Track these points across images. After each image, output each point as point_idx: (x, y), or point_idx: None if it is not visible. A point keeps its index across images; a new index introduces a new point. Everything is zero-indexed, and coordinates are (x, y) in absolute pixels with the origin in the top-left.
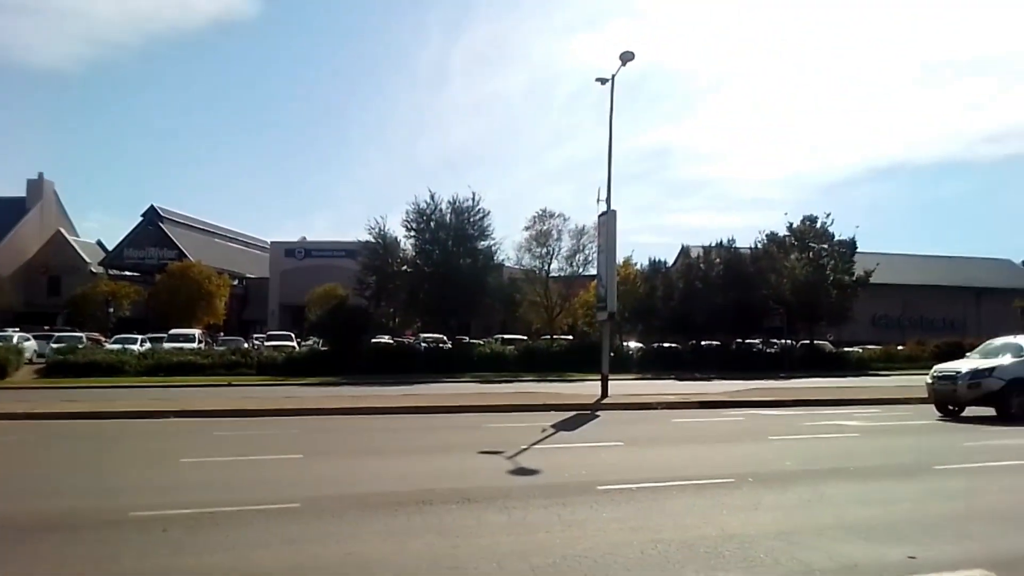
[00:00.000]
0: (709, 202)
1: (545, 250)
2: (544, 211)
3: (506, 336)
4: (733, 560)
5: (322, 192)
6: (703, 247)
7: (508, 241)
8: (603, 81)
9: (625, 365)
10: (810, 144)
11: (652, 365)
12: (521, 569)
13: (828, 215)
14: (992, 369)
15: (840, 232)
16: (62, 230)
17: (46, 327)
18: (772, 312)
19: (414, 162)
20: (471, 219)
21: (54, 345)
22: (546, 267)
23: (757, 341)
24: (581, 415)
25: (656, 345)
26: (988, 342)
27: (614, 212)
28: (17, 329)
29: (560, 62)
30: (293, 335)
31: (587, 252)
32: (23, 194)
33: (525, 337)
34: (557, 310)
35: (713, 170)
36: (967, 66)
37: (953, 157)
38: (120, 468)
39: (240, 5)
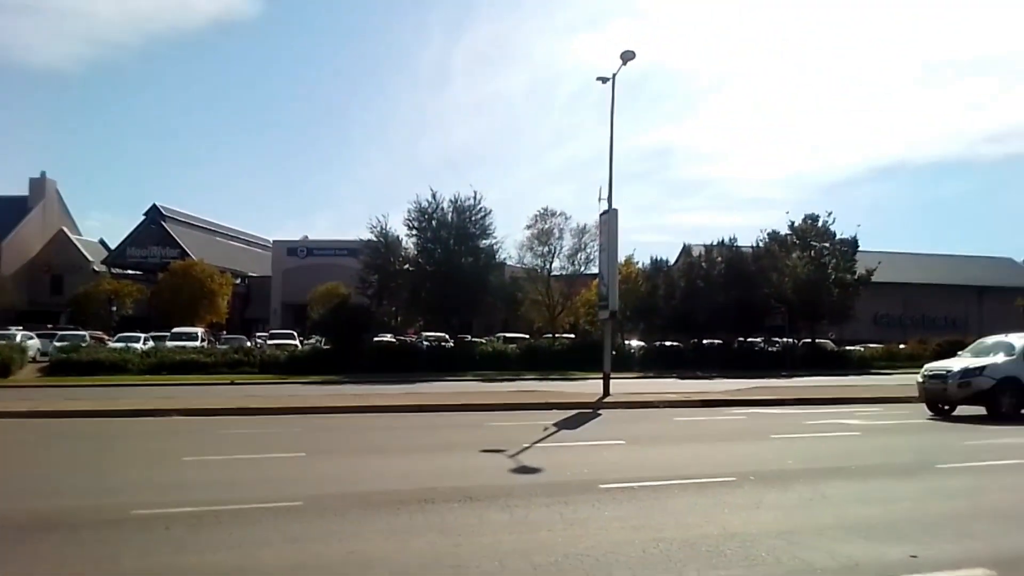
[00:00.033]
0: (710, 201)
1: (547, 249)
2: (546, 210)
3: (508, 335)
4: (735, 559)
5: (324, 191)
6: (705, 246)
7: (510, 240)
8: (604, 80)
9: (627, 364)
10: (811, 144)
11: (654, 364)
12: (523, 568)
13: (830, 214)
14: (983, 368)
15: (842, 231)
16: (65, 229)
17: (49, 326)
18: (774, 311)
19: (416, 161)
20: (473, 218)
21: (57, 344)
22: (548, 266)
23: (759, 340)
24: (583, 414)
25: (658, 344)
26: (980, 341)
27: (615, 211)
28: (20, 328)
29: (561, 62)
30: (295, 334)
31: (589, 251)
32: (26, 193)
33: (527, 336)
34: (559, 309)
35: (714, 169)
36: (968, 66)
37: (954, 157)
38: (122, 467)
39: (240, 5)
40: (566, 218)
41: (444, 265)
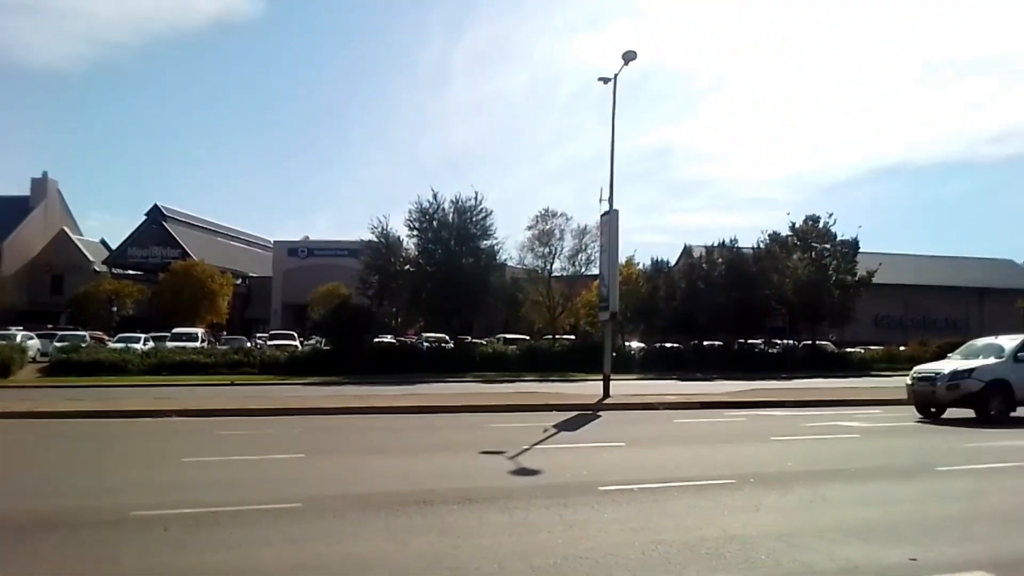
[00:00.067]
0: (711, 202)
1: (547, 250)
2: (546, 211)
3: (508, 336)
4: (734, 561)
5: (324, 191)
6: (705, 247)
7: (510, 241)
8: (605, 81)
9: (627, 365)
10: (812, 144)
11: (654, 365)
12: (522, 569)
13: (831, 215)
14: (972, 370)
15: (842, 232)
16: (66, 229)
17: (49, 326)
18: (774, 312)
19: (416, 162)
20: (473, 218)
21: (57, 344)
22: (548, 267)
23: (759, 341)
24: (583, 415)
25: (658, 345)
26: (970, 343)
27: (616, 212)
28: (21, 328)
29: (562, 62)
30: (296, 334)
31: (589, 252)
32: (27, 193)
33: (527, 337)
34: (559, 310)
35: (715, 170)
36: (968, 66)
37: (955, 157)
38: (122, 467)
39: (241, 5)
40: (567, 219)
41: (445, 266)
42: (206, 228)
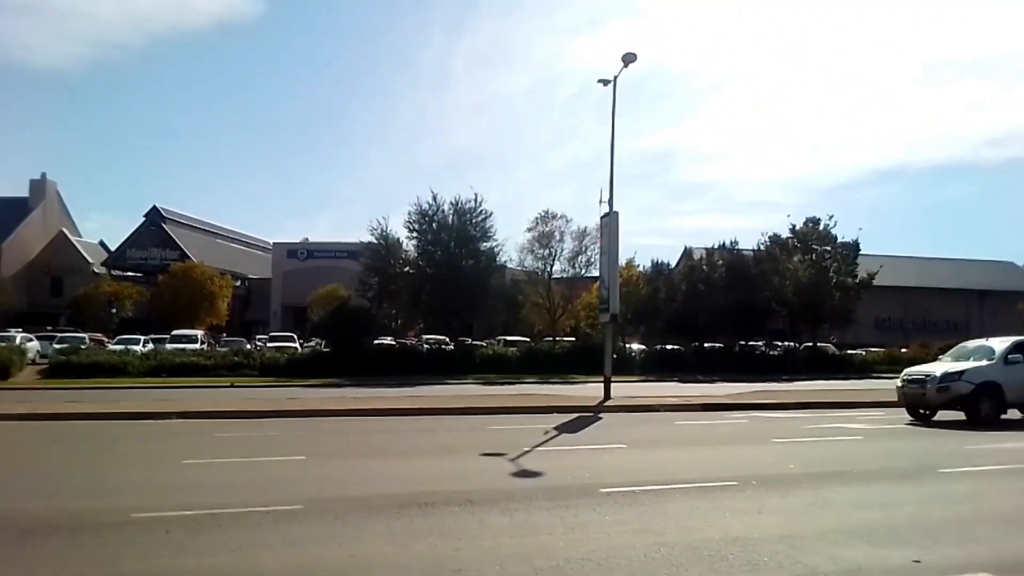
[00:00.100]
0: (711, 204)
1: (547, 251)
2: (546, 212)
3: (508, 338)
4: (737, 563)
5: (324, 193)
6: (706, 249)
7: (510, 242)
8: (605, 83)
9: (628, 367)
10: (812, 146)
11: (655, 367)
12: (524, 571)
13: (831, 217)
14: (962, 372)
15: (843, 234)
16: (65, 230)
17: (49, 328)
18: (775, 314)
19: (416, 162)
20: (473, 220)
21: (57, 346)
22: (548, 268)
23: (760, 343)
24: (584, 417)
25: (659, 347)
26: (961, 345)
27: (616, 214)
28: (20, 330)
29: (562, 62)
30: (295, 336)
31: (589, 254)
32: (26, 194)
33: (527, 339)
34: (559, 312)
35: (715, 172)
36: (968, 66)
37: (956, 160)
38: (122, 469)
39: (241, 5)
40: (567, 221)
41: (444, 268)
42: (205, 230)
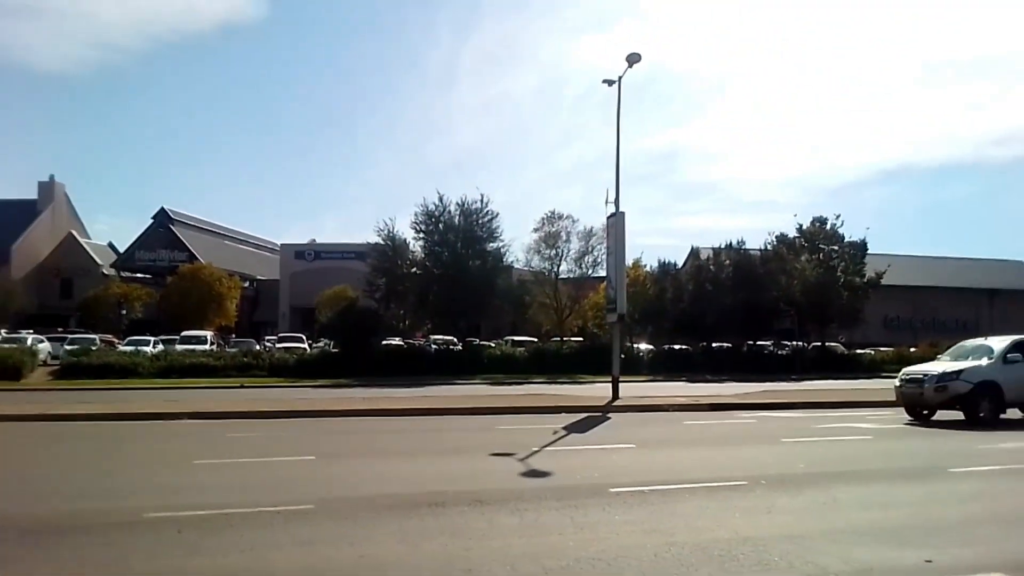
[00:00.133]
0: (717, 204)
1: (554, 252)
2: (553, 213)
3: (516, 338)
4: (747, 563)
5: (331, 193)
6: (713, 249)
7: (517, 243)
8: (610, 83)
9: (635, 367)
10: (817, 146)
11: (663, 367)
12: (534, 571)
13: (838, 216)
14: (960, 372)
15: (850, 234)
16: (74, 232)
17: (60, 329)
18: (783, 314)
19: (423, 163)
20: (480, 221)
21: (68, 347)
22: (555, 269)
23: (768, 343)
24: (592, 417)
25: (667, 347)
26: (960, 344)
27: (623, 214)
28: (31, 331)
29: (568, 63)
30: (304, 337)
31: (596, 254)
32: (34, 196)
33: (535, 339)
34: (567, 312)
35: (721, 172)
36: (970, 66)
37: (961, 159)
38: (134, 469)
39: (245, 8)
40: (573, 221)
41: (451, 268)
42: (213, 231)
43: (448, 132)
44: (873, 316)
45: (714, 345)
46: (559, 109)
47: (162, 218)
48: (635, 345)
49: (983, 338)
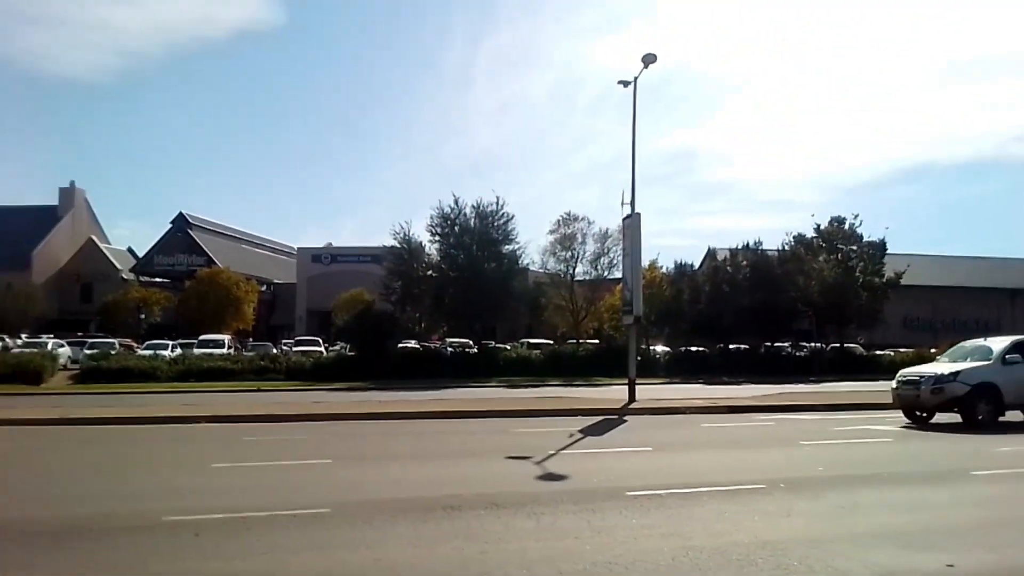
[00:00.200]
0: (734, 204)
1: (570, 254)
2: (568, 214)
3: (532, 340)
4: (766, 568)
5: (347, 197)
6: (729, 249)
7: (533, 245)
8: (625, 84)
9: (652, 369)
10: (835, 145)
11: (679, 369)
12: (550, 575)
13: (856, 216)
14: (956, 373)
15: (869, 234)
16: (94, 237)
17: (79, 333)
18: (800, 315)
19: (438, 165)
20: (495, 223)
21: (87, 351)
22: (571, 271)
23: (786, 344)
24: (608, 420)
25: (683, 349)
26: (959, 345)
27: (638, 215)
28: (51, 336)
29: (583, 64)
30: (320, 340)
31: (612, 255)
32: (55, 202)
33: (551, 341)
34: (583, 314)
35: (737, 172)
36: (992, 63)
37: (981, 157)
38: (153, 473)
39: (263, 14)
40: (589, 223)
41: (467, 271)
42: (231, 235)
43: (463, 134)
44: (893, 317)
45: (731, 347)
46: (574, 110)
47: (180, 223)
48: (651, 347)
49: (983, 339)
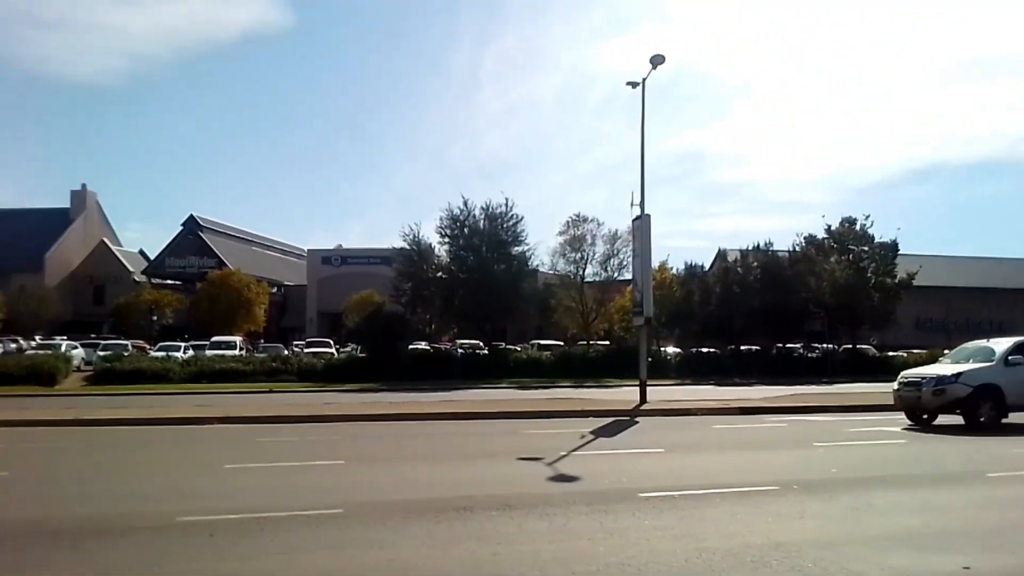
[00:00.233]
0: (743, 205)
1: (579, 255)
2: (577, 216)
3: (542, 342)
4: (780, 569)
5: (356, 199)
6: (740, 250)
7: (542, 246)
8: (634, 85)
9: (663, 370)
10: (844, 145)
11: (690, 370)
12: None
13: (867, 217)
14: (958, 375)
15: (880, 235)
16: (105, 240)
17: (92, 335)
18: (812, 316)
19: (447, 167)
20: (504, 225)
21: (101, 353)
22: (581, 272)
23: (798, 345)
24: (620, 421)
25: (694, 350)
26: (962, 346)
27: (648, 216)
28: (65, 338)
29: (590, 66)
30: (331, 342)
31: (621, 257)
32: (67, 205)
33: (561, 343)
34: (593, 315)
35: (746, 173)
36: (1003, 63)
37: (994, 157)
38: (167, 474)
39: (271, 17)
40: (598, 224)
41: (477, 272)
42: (241, 238)
43: (471, 136)
44: (905, 318)
45: (742, 348)
46: (582, 112)
47: (191, 225)
48: (662, 348)
49: (985, 339)
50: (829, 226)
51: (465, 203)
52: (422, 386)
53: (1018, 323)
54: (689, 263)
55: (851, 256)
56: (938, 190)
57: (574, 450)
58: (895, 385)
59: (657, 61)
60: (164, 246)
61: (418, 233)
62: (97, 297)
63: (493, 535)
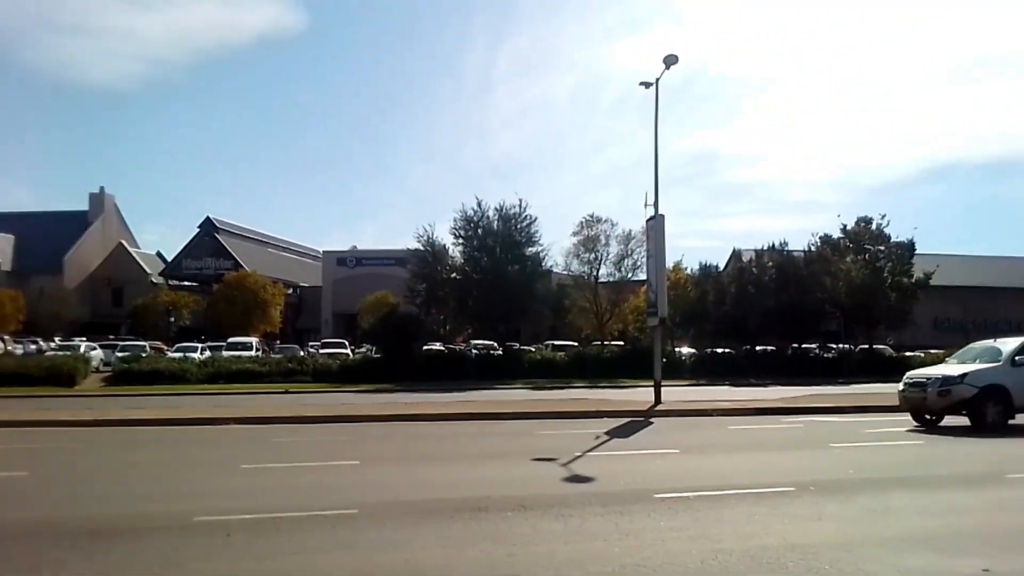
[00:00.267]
0: (758, 205)
1: (593, 255)
2: (591, 216)
3: (556, 342)
4: (796, 571)
5: (369, 201)
6: (755, 250)
7: (556, 247)
8: (647, 85)
9: (678, 371)
10: (860, 145)
11: (705, 371)
12: None
13: (883, 216)
14: (964, 375)
15: (897, 234)
16: (123, 242)
17: (111, 336)
18: (828, 316)
19: (460, 168)
20: (518, 225)
21: (119, 354)
22: (595, 272)
23: (813, 346)
24: (635, 422)
25: (709, 350)
26: (968, 346)
27: (662, 216)
28: (84, 339)
29: (604, 66)
30: (347, 343)
31: (635, 257)
32: (86, 208)
33: (575, 343)
34: (607, 316)
35: (761, 172)
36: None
37: (1011, 155)
38: (184, 473)
39: (284, 20)
40: (612, 224)
41: (491, 273)
42: (257, 239)
43: (485, 137)
44: (923, 318)
45: (757, 348)
46: (596, 112)
47: (208, 227)
48: (677, 349)
49: (992, 339)
50: (845, 225)
51: (479, 204)
52: (436, 387)
53: None
54: (703, 263)
55: (867, 256)
56: (952, 190)
57: (589, 451)
58: (900, 386)
59: (670, 61)
60: (181, 248)
61: (432, 234)
62: (115, 299)
63: (508, 536)
